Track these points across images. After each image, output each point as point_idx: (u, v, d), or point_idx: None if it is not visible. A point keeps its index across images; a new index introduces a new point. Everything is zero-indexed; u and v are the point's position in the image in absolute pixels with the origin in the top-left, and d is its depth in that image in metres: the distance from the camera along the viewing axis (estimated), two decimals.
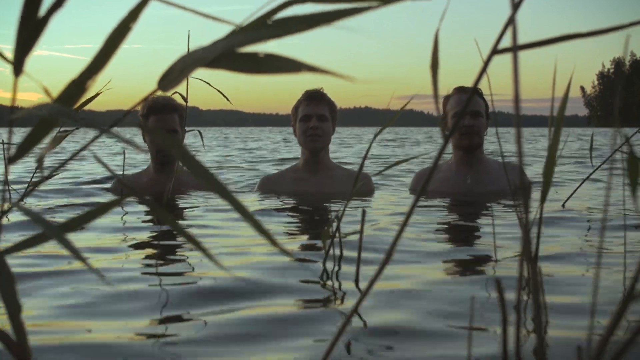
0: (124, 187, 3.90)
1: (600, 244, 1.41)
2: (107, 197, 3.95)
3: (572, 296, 1.58)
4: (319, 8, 0.69)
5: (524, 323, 1.35)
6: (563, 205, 3.44)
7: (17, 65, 0.71)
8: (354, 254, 1.98)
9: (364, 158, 1.79)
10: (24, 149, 0.72)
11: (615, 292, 1.60)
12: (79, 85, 0.67)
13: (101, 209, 0.71)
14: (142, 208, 3.34)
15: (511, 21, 0.70)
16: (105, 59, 0.68)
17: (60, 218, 3.09)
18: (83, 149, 0.70)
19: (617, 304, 0.77)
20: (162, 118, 3.86)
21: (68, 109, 0.64)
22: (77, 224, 0.70)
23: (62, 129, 1.98)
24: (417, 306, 1.50)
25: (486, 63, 0.71)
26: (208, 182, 0.68)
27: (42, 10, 0.70)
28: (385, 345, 1.24)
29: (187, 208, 3.43)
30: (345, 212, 3.08)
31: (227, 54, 0.67)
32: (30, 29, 0.68)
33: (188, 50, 2.59)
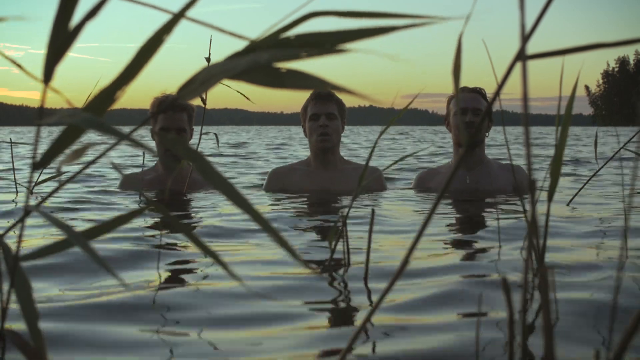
0: (143, 196, 3.92)
1: (623, 245, 1.41)
2: (116, 198, 3.96)
3: (582, 294, 1.58)
4: (339, 22, 0.70)
5: (531, 320, 1.36)
6: (568, 204, 3.45)
7: (47, 73, 0.71)
8: (360, 250, 1.99)
9: (369, 156, 1.80)
10: (49, 156, 0.73)
11: (629, 292, 1.60)
12: (108, 95, 0.68)
13: (125, 217, 0.72)
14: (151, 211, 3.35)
15: (522, 57, 0.71)
16: (136, 69, 0.68)
17: (70, 222, 3.10)
18: (101, 155, 0.71)
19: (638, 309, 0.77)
20: (170, 117, 3.88)
21: (98, 119, 0.65)
22: (100, 231, 0.71)
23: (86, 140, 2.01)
24: (423, 304, 1.51)
25: (508, 71, 0.72)
26: (215, 181, 0.68)
27: (76, 19, 0.71)
28: (391, 343, 1.24)
29: (196, 207, 3.44)
30: (355, 209, 3.09)
31: (249, 68, 0.68)
32: (62, 37, 0.69)
33: (209, 54, 2.62)
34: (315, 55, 0.68)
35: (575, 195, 3.52)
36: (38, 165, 0.74)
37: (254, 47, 0.70)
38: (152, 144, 4.80)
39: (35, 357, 0.82)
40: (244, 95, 2.60)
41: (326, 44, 0.68)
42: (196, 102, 3.83)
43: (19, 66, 0.77)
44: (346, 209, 1.86)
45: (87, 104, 0.69)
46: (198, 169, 0.68)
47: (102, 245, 2.25)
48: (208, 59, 2.73)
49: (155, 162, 4.24)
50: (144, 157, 3.46)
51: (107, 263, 0.67)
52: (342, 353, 0.84)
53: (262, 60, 0.68)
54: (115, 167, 0.79)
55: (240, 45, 0.72)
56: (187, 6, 0.71)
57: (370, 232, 1.74)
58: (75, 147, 0.71)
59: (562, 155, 1.20)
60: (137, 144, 0.65)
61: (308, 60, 0.69)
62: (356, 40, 0.69)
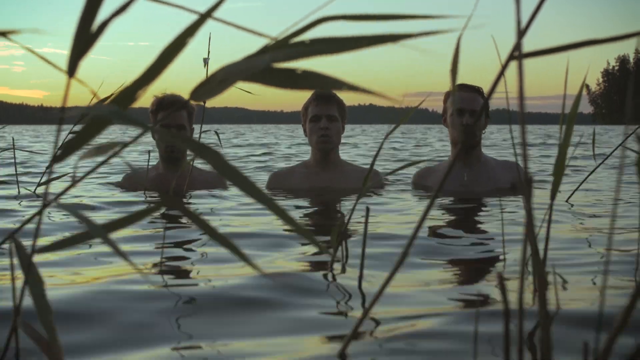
0: (145, 185, 3.93)
1: (609, 241, 1.42)
2: (116, 194, 3.98)
3: (579, 292, 1.60)
4: (349, 25, 0.71)
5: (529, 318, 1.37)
6: (567, 201, 3.47)
7: (72, 66, 0.73)
8: (359, 250, 2.00)
9: (375, 156, 1.80)
10: (69, 150, 0.74)
11: (625, 289, 1.61)
12: (130, 93, 0.69)
13: (143, 212, 0.74)
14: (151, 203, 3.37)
15: (518, 47, 0.72)
16: (158, 70, 0.70)
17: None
18: (119, 151, 0.72)
19: (625, 302, 0.79)
20: (170, 114, 3.89)
21: (122, 111, 0.66)
22: (118, 225, 0.73)
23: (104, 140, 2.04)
24: (421, 301, 1.52)
25: (503, 68, 0.74)
26: (224, 171, 0.70)
27: (103, 15, 0.72)
28: (389, 341, 1.26)
29: (196, 204, 3.45)
30: (340, 207, 3.10)
31: (265, 69, 0.69)
32: (88, 32, 0.70)
33: (208, 52, 2.61)
34: (332, 53, 0.69)
35: (574, 192, 3.54)
36: (58, 158, 0.76)
37: (267, 50, 0.72)
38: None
39: (48, 349, 0.84)
40: (247, 91, 2.59)
41: (340, 49, 0.69)
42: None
43: (43, 59, 0.79)
44: (347, 209, 1.87)
45: (109, 101, 0.71)
46: (203, 158, 0.69)
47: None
48: (206, 59, 2.72)
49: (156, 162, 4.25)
50: (149, 156, 3.47)
51: (125, 254, 0.69)
52: (341, 348, 0.86)
53: (279, 58, 0.69)
54: (128, 164, 0.81)
55: (244, 44, 0.73)
56: (215, 7, 0.72)
57: (366, 229, 1.75)
58: (94, 144, 0.73)
59: (566, 154, 1.21)
60: (164, 136, 0.67)
61: (319, 58, 0.70)
62: (369, 46, 0.70)
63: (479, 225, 2.83)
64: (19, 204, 3.46)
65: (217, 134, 3.29)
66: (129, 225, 0.74)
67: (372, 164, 1.79)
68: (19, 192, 3.90)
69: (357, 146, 13.69)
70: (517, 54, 0.74)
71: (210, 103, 2.94)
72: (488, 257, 2.02)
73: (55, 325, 0.82)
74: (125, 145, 0.72)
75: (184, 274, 1.85)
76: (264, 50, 0.72)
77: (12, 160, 4.09)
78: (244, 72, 0.70)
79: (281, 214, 0.69)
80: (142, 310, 1.43)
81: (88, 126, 0.71)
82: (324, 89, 0.70)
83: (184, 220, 2.81)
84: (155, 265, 1.91)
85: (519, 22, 0.76)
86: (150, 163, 3.88)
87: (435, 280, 1.72)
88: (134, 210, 0.90)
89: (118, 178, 4.67)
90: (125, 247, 2.21)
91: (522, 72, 0.76)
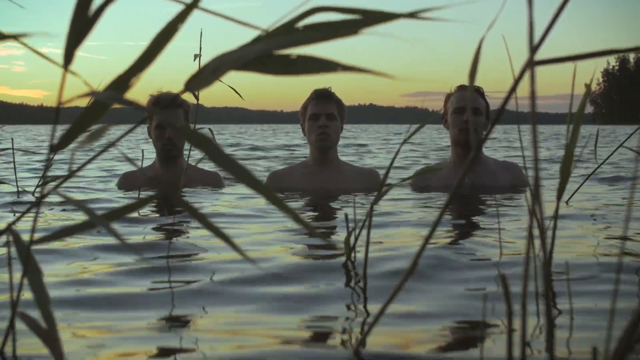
0: (149, 180, 3.93)
1: (621, 243, 1.40)
2: (112, 195, 3.97)
3: (583, 294, 1.58)
4: (341, 17, 0.70)
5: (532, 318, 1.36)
6: (567, 202, 3.45)
7: (68, 56, 0.72)
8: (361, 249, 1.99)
9: (391, 163, 1.79)
10: (67, 139, 0.73)
11: (633, 290, 1.60)
12: (123, 81, 0.68)
13: (140, 203, 0.73)
14: (152, 202, 3.37)
15: (531, 64, 0.71)
16: (150, 58, 0.69)
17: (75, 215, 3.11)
18: (115, 142, 0.71)
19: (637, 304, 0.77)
20: (166, 114, 3.88)
21: (119, 94, 0.65)
22: (118, 214, 0.72)
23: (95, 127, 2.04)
24: (425, 303, 1.51)
25: (520, 75, 0.72)
26: (219, 160, 0.69)
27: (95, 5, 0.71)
28: (392, 341, 1.24)
29: (192, 202, 3.44)
30: (354, 208, 3.09)
31: (259, 57, 0.68)
32: (83, 22, 0.69)
33: (200, 48, 2.59)
34: (326, 39, 0.68)
35: (575, 192, 3.53)
36: (56, 147, 0.75)
37: (262, 38, 0.70)
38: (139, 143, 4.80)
39: (47, 338, 0.84)
40: (236, 92, 2.58)
41: (334, 34, 0.68)
42: (189, 98, 3.82)
43: (42, 56, 0.78)
44: (353, 213, 1.85)
45: (104, 89, 0.70)
46: (199, 148, 0.68)
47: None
48: (198, 55, 2.69)
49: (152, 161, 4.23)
50: (142, 155, 3.46)
51: (128, 243, 0.68)
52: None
53: (273, 46, 0.68)
54: (128, 159, 0.79)
55: (237, 42, 0.72)
56: None
57: (369, 228, 1.74)
58: (91, 130, 0.72)
59: (573, 154, 1.19)
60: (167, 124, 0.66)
61: (318, 45, 0.69)
62: (360, 29, 0.69)
63: (480, 226, 2.82)
64: (18, 204, 3.45)
65: (211, 131, 3.31)
66: (126, 214, 0.74)
67: (388, 170, 1.77)
68: (18, 193, 3.88)
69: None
70: (530, 63, 0.72)
71: (211, 103, 2.93)
72: (489, 258, 2.01)
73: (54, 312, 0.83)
74: (125, 133, 0.70)
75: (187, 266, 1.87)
76: (257, 40, 0.71)
77: (12, 161, 4.06)
78: (237, 61, 0.69)
79: (279, 203, 0.67)
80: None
81: (86, 112, 0.70)
82: (321, 72, 0.68)
83: (186, 225, 2.80)
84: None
85: (531, 33, 0.74)
86: (144, 163, 3.86)
87: (436, 281, 1.71)
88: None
89: (115, 178, 4.66)
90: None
91: (534, 81, 0.74)
